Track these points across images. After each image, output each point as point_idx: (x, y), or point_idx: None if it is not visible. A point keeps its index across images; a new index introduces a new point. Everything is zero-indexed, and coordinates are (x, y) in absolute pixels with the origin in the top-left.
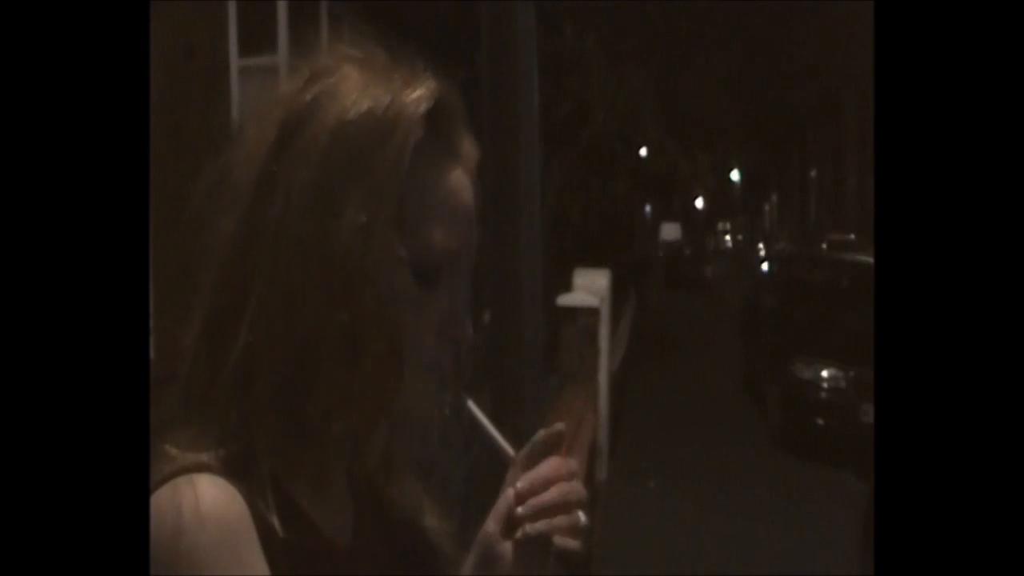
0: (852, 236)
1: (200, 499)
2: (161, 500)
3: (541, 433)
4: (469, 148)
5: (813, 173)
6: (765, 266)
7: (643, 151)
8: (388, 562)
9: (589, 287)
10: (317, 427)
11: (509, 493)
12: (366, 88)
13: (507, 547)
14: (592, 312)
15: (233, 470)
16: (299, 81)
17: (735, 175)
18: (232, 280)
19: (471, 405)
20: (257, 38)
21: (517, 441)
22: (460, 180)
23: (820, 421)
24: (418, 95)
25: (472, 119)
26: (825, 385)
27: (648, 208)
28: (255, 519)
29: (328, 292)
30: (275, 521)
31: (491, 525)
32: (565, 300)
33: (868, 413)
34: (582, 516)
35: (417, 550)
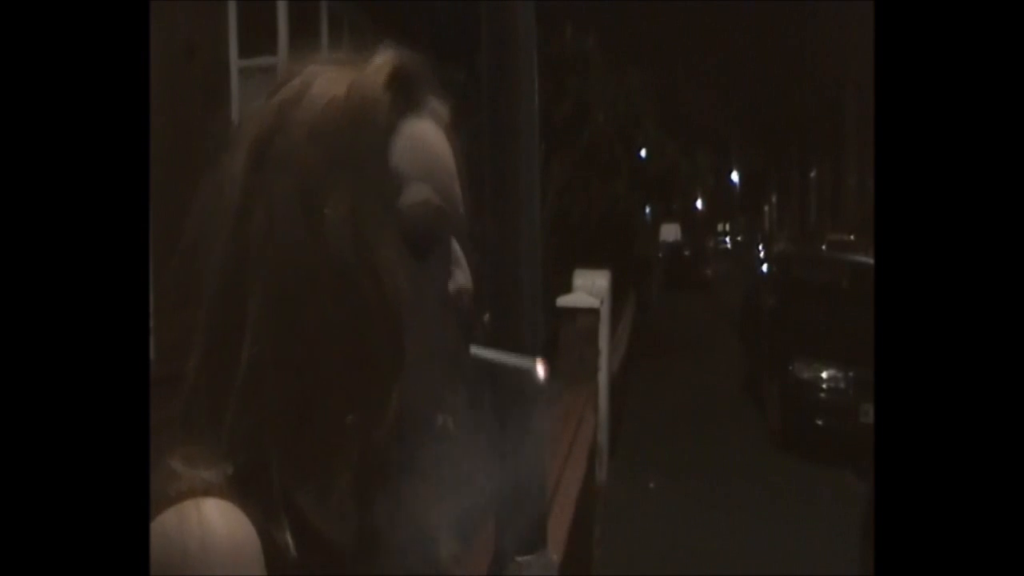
0: (852, 236)
1: (205, 527)
2: (166, 526)
3: None
4: (439, 106)
5: (813, 173)
6: (765, 266)
7: (643, 151)
8: (394, 569)
9: (589, 288)
10: (326, 426)
11: None
12: (329, 83)
13: None
14: (592, 313)
15: (239, 486)
16: (263, 100)
17: (735, 175)
18: (229, 301)
19: (476, 350)
20: (257, 38)
21: (517, 443)
22: (434, 134)
23: (820, 421)
24: (377, 64)
25: (439, 84)
26: (825, 385)
27: (648, 209)
28: (262, 536)
29: (323, 288)
30: (285, 536)
31: None
32: (565, 301)
33: (868, 413)
34: None
35: (423, 558)
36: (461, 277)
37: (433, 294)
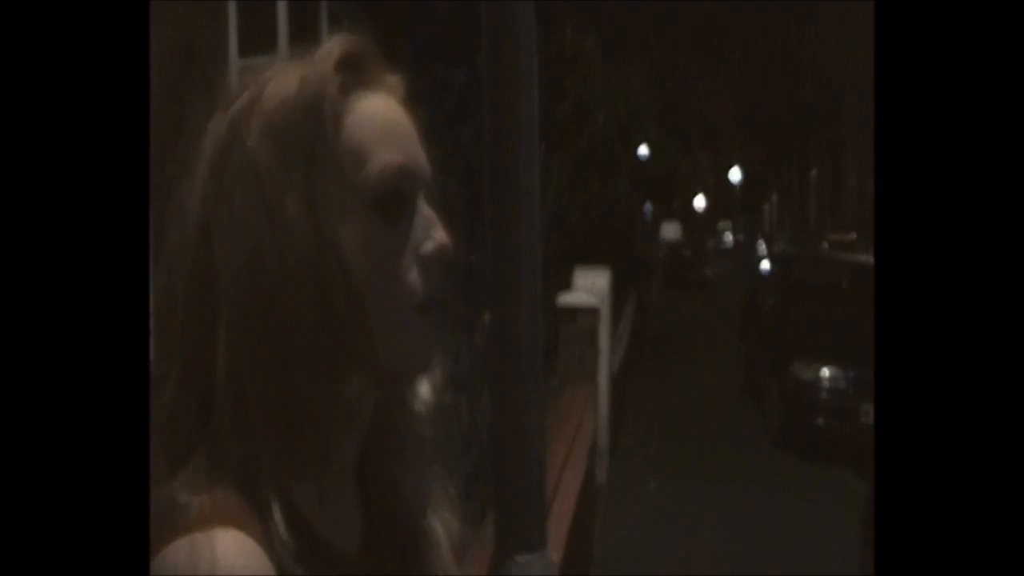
0: (852, 236)
1: (220, 562)
2: (178, 559)
3: None
4: (393, 81)
5: (813, 173)
6: (765, 266)
7: (643, 151)
8: (398, 565)
9: (589, 287)
10: (309, 416)
11: None
12: (281, 82)
13: None
14: (592, 312)
15: (244, 495)
16: (218, 114)
17: (735, 175)
18: (199, 317)
19: None
20: (257, 38)
21: (517, 443)
22: (390, 105)
23: (820, 421)
24: (325, 51)
25: (388, 63)
26: (825, 385)
27: (648, 208)
28: (271, 556)
29: (292, 284)
30: (284, 537)
31: None
32: (565, 300)
33: (868, 413)
34: None
35: (425, 553)
36: (438, 235)
37: (410, 256)
